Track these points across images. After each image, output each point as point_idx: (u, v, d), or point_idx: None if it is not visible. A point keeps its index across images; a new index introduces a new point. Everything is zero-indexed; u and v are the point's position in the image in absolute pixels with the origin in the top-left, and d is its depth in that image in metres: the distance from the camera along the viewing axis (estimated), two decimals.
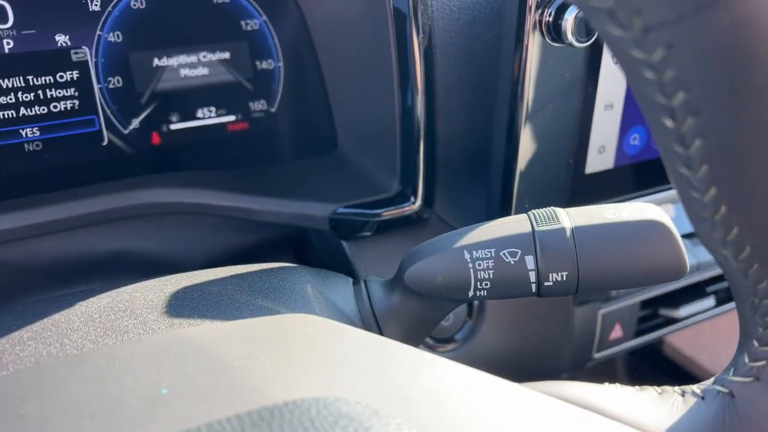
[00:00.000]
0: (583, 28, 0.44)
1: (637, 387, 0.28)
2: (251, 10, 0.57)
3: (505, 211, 0.50)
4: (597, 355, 0.62)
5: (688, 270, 0.35)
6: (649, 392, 0.28)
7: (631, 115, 0.52)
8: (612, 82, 0.49)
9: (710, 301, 0.67)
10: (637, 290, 0.61)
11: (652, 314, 0.65)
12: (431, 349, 0.54)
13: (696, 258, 0.60)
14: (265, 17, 0.57)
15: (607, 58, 0.48)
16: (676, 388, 0.28)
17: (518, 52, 0.45)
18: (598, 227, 0.35)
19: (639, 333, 0.65)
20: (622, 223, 0.35)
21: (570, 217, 0.35)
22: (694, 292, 0.66)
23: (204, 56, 0.55)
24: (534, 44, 0.44)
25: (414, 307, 0.37)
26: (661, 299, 0.64)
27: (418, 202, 0.51)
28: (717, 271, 0.65)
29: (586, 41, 0.44)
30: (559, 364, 0.60)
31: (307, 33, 0.56)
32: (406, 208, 0.50)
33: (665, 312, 0.65)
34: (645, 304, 0.63)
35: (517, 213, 0.50)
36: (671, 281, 0.35)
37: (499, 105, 0.48)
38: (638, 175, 0.55)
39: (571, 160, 0.50)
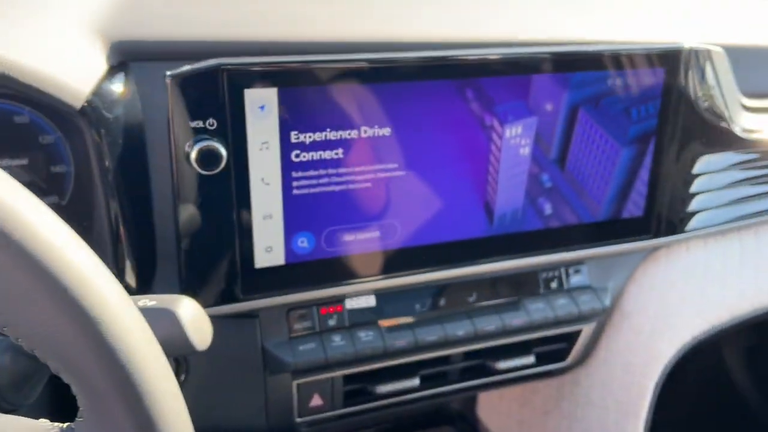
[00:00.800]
0: (209, 159, 0.59)
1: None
2: (47, 128, 0.74)
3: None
4: (300, 420, 0.73)
5: (197, 348, 0.48)
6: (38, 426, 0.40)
7: (294, 223, 0.66)
8: (267, 198, 0.64)
9: (415, 381, 0.78)
10: (338, 368, 0.73)
11: (362, 388, 0.77)
12: None
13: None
14: (59, 133, 0.74)
15: (255, 181, 0.63)
16: (57, 424, 0.40)
17: (172, 176, 0.61)
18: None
19: (350, 403, 0.76)
20: (144, 309, 0.48)
21: None
22: (400, 370, 0.77)
23: (4, 162, 0.72)
24: (180, 170, 0.60)
25: (18, 368, 0.51)
26: (366, 376, 0.76)
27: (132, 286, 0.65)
28: (419, 356, 0.76)
29: (213, 170, 0.59)
30: (261, 426, 0.72)
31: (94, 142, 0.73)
32: None
33: (371, 388, 0.76)
34: (350, 378, 0.75)
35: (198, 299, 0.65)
36: (188, 353, 0.48)
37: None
38: (318, 269, 0.68)
39: (238, 258, 0.64)
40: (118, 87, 0.64)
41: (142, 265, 0.67)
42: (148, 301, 0.49)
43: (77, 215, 0.75)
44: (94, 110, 0.61)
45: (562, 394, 0.91)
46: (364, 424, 0.89)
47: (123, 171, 0.65)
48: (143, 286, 0.67)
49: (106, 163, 0.64)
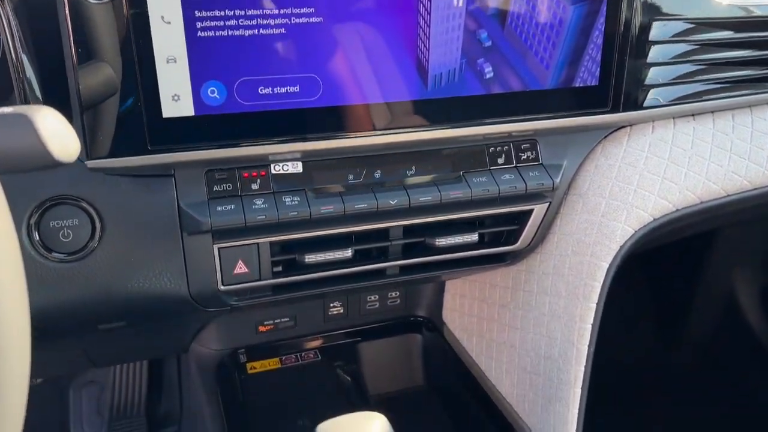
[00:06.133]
0: None
1: None
2: None
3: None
4: (224, 288, 0.70)
5: (57, 158, 0.45)
6: None
7: (201, 70, 0.62)
8: (169, 39, 0.60)
9: (347, 253, 0.74)
10: (263, 233, 0.69)
11: (291, 259, 0.73)
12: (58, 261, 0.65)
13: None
14: None
15: (155, 19, 0.59)
16: None
17: (60, 9, 0.57)
18: None
19: (279, 274, 0.73)
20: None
21: None
22: (332, 242, 0.74)
23: None
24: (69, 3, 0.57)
25: None
26: (296, 246, 0.73)
27: None
28: (351, 227, 0.73)
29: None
30: (182, 291, 0.69)
31: None
32: None
33: (300, 258, 0.73)
34: (278, 248, 0.72)
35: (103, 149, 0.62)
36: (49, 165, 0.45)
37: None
38: (231, 123, 0.65)
39: (143, 105, 0.61)
40: None
41: None
42: (6, 109, 0.47)
43: (5, 71, 0.73)
44: None
45: (518, 285, 0.87)
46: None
47: (29, 16, 0.62)
48: None
49: (8, 7, 0.61)
